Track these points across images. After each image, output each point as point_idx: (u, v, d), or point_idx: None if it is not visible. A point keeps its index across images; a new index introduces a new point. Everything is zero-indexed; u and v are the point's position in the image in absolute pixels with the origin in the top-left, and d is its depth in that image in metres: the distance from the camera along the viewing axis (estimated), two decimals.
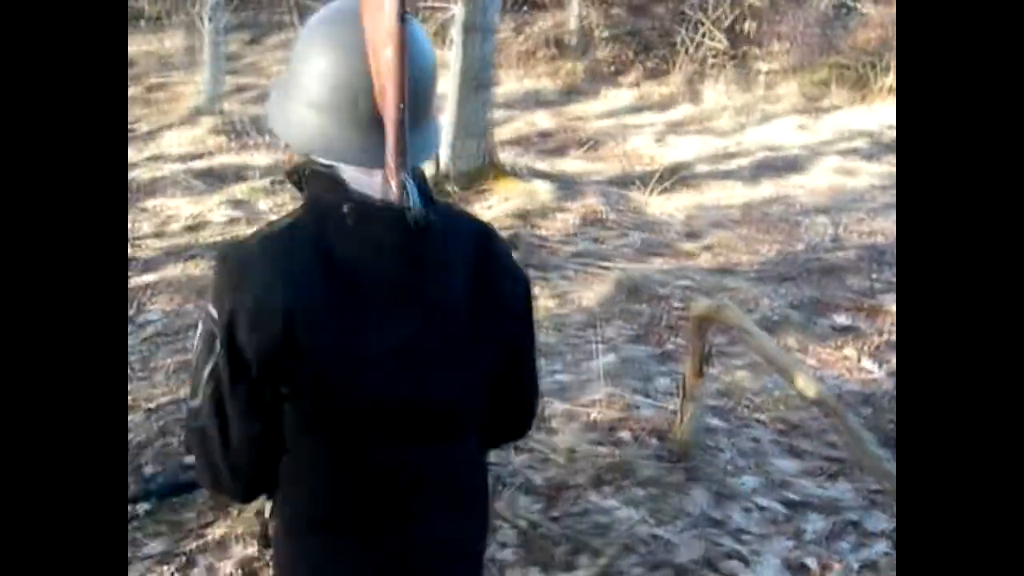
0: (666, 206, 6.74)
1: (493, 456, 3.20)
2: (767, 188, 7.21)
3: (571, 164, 7.72)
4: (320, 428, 1.31)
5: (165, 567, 2.83)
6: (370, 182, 1.24)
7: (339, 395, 1.28)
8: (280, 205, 6.37)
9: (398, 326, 1.27)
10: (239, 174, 7.12)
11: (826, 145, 8.36)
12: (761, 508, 3.07)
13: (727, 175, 7.57)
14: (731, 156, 8.10)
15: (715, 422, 3.55)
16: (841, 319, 4.72)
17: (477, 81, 6.32)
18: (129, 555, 2.89)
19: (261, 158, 7.47)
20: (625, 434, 3.41)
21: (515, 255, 4.74)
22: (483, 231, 1.40)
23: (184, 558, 2.82)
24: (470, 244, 1.35)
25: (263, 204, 6.32)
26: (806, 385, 2.53)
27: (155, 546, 2.93)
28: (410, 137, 1.20)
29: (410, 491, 1.34)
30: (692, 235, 6.18)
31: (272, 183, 6.80)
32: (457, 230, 1.34)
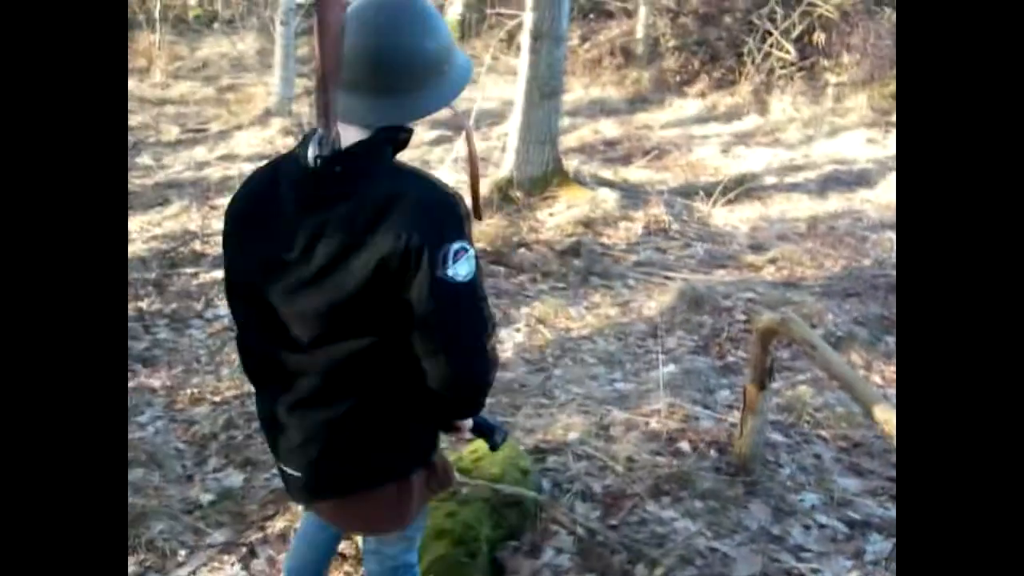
0: (731, 217, 6.69)
1: (550, 462, 3.22)
2: (834, 202, 7.12)
3: (636, 173, 7.70)
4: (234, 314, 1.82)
5: (227, 557, 2.89)
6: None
7: (231, 293, 1.78)
8: None
9: (274, 246, 1.61)
10: None
11: (896, 159, 8.23)
12: (821, 526, 3.03)
13: (793, 187, 7.48)
14: (798, 168, 8.01)
15: (776, 437, 3.51)
16: None
17: (546, 88, 6.33)
18: (193, 544, 2.96)
19: None
20: (685, 445, 3.39)
21: (577, 263, 4.70)
22: (393, 194, 1.55)
23: (246, 549, 2.88)
24: (375, 201, 1.54)
25: None
26: (871, 402, 2.49)
27: (218, 536, 2.99)
28: (345, 101, 1.51)
29: (279, 377, 1.71)
30: (757, 247, 6.12)
31: None
32: (370, 186, 1.56)
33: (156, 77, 10.96)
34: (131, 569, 2.83)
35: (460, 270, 1.54)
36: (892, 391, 4.01)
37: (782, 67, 10.34)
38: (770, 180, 7.63)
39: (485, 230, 5.91)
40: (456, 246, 1.53)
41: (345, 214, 1.54)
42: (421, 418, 1.79)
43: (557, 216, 6.19)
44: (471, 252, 1.57)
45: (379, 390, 1.69)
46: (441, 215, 1.56)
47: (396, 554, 2.08)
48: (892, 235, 6.14)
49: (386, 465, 1.79)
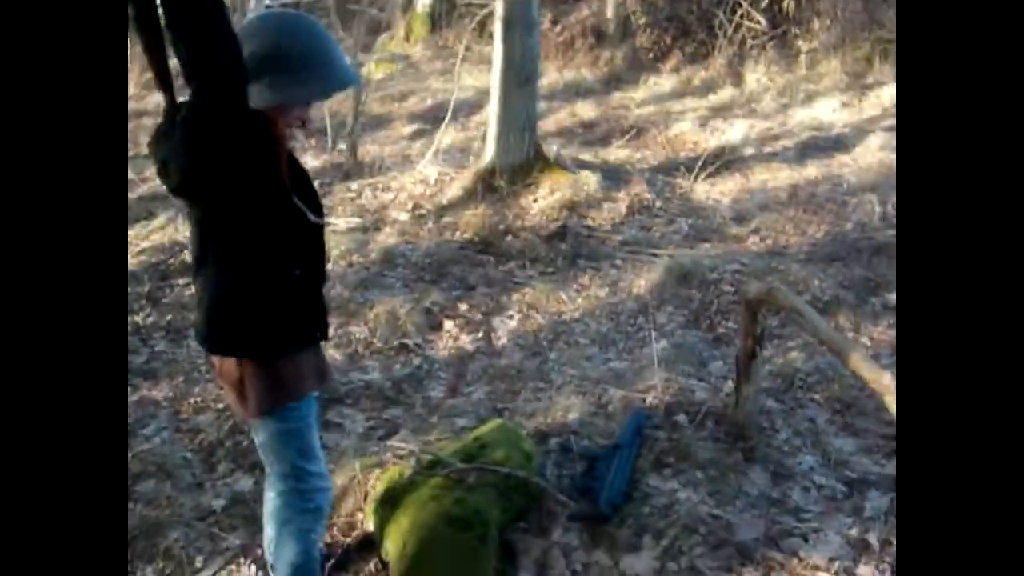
0: (712, 191, 6.76)
1: (552, 443, 3.26)
2: (813, 168, 7.18)
3: (616, 153, 7.75)
4: None
5: (243, 560, 2.95)
6: None
7: None
8: (329, 207, 6.49)
9: None
10: None
11: (871, 122, 8.30)
12: (820, 487, 3.11)
13: (772, 157, 7.55)
14: (775, 138, 8.07)
15: (771, 403, 3.59)
16: (893, 298, 4.72)
17: (522, 75, 6.36)
18: (210, 549, 3.02)
19: (309, 159, 7.61)
20: (682, 418, 3.46)
21: (564, 246, 4.73)
22: None
23: (261, 550, 2.93)
24: None
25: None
26: (860, 364, 2.56)
27: (234, 540, 3.05)
28: None
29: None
30: (739, 219, 6.19)
31: (320, 185, 6.93)
32: None
33: (131, 88, 10.92)
34: None
35: None
36: (880, 352, 4.09)
37: (754, 37, 10.38)
38: (749, 151, 7.69)
39: (471, 220, 5.96)
40: None
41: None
42: (268, 310, 2.13)
43: (541, 201, 6.24)
44: None
45: (228, 270, 2.10)
46: None
47: (275, 479, 2.41)
48: (872, 198, 6.21)
49: (226, 339, 2.17)
